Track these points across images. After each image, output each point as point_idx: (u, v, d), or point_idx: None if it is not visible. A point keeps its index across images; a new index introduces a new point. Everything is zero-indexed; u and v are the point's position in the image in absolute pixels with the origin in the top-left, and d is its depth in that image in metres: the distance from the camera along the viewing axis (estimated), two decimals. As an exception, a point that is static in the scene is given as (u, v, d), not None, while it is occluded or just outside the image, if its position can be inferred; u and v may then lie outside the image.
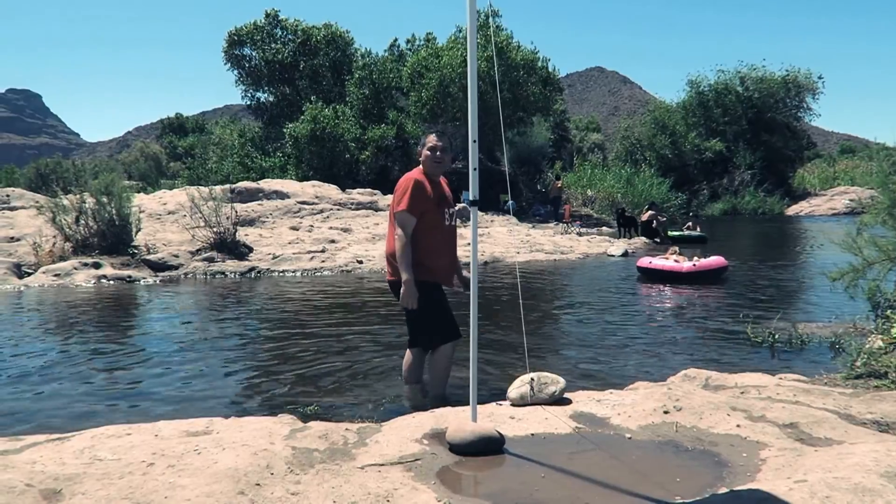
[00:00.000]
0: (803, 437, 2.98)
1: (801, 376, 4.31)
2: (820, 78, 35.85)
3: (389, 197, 18.57)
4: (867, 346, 4.45)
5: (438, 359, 4.09)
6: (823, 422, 3.13)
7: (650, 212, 17.87)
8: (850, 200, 30.31)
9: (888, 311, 4.74)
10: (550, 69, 27.99)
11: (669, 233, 17.35)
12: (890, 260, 5.24)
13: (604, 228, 21.92)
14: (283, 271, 11.02)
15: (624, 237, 18.18)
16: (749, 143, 35.06)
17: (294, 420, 3.38)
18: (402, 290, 3.83)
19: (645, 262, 10.60)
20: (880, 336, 4.43)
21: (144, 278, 10.09)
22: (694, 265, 9.93)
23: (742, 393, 3.73)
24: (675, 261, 10.19)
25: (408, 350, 4.36)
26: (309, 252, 12.05)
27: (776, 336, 5.72)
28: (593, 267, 12.42)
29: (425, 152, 3.99)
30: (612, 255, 13.94)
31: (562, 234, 18.68)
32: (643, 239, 17.37)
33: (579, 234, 18.64)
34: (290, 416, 3.49)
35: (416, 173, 3.98)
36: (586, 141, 50.15)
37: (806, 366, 5.05)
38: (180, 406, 4.19)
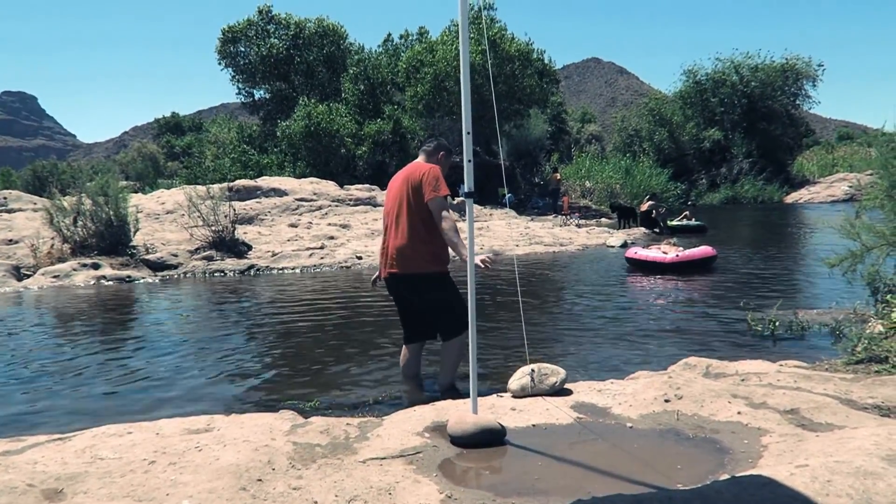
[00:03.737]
0: (804, 422, 2.99)
1: (802, 363, 4.31)
2: (820, 65, 35.75)
3: (387, 192, 18.57)
4: (867, 331, 4.45)
5: (454, 347, 4.12)
6: (824, 407, 3.13)
7: (650, 202, 17.85)
8: (850, 186, 30.28)
9: (888, 296, 4.74)
10: (546, 61, 27.97)
11: (669, 223, 17.34)
12: (889, 244, 5.24)
13: (603, 220, 21.91)
14: (282, 269, 11.01)
15: (623, 228, 18.17)
16: (746, 131, 34.98)
17: (295, 416, 3.38)
18: (482, 261, 3.77)
19: (631, 252, 10.77)
20: (880, 321, 4.43)
21: (144, 278, 10.09)
22: (677, 255, 9.98)
23: (743, 380, 3.73)
24: (663, 252, 10.24)
25: (404, 346, 4.41)
26: (308, 249, 12.03)
27: (776, 323, 5.72)
28: (593, 258, 12.42)
29: (444, 160, 4.23)
30: (612, 246, 13.93)
31: (560, 225, 18.67)
32: (642, 229, 17.37)
33: (578, 226, 18.62)
34: (291, 412, 3.49)
35: (434, 166, 4.08)
36: (584, 132, 50.07)
37: (806, 352, 5.06)
38: (181, 404, 4.20)
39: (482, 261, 3.78)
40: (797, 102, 36.67)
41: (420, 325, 4.27)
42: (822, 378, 3.67)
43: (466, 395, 3.15)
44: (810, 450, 2.53)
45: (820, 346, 5.29)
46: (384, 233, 4.26)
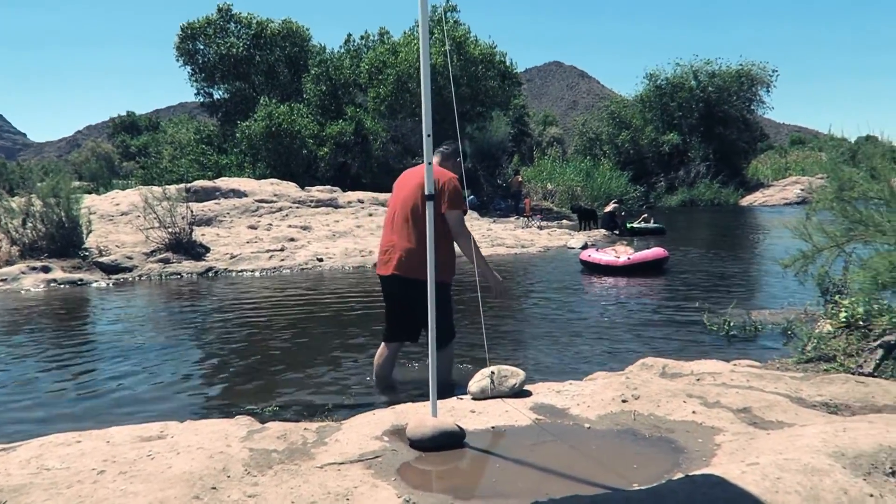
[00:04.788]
0: (756, 420, 3.06)
1: (755, 362, 4.42)
2: (774, 71, 36.78)
3: (350, 194, 18.48)
4: (816, 331, 4.58)
5: (443, 355, 4.16)
6: (775, 405, 3.21)
7: (615, 204, 18.13)
8: (802, 189, 31.20)
9: (836, 297, 4.89)
10: (509, 63, 28.13)
11: (628, 225, 17.61)
12: (837, 246, 5.41)
13: (564, 221, 22.13)
14: (241, 271, 10.86)
15: (584, 230, 18.39)
16: (704, 135, 35.77)
17: (251, 421, 3.33)
18: (490, 283, 4.17)
19: (585, 255, 10.98)
20: (829, 321, 4.57)
21: (97, 281, 9.83)
22: (629, 258, 10.19)
23: (698, 380, 3.80)
24: (616, 255, 10.43)
25: (383, 344, 4.40)
26: (268, 251, 11.90)
27: (731, 324, 5.85)
28: (554, 260, 12.54)
29: (459, 165, 4.30)
30: (573, 248, 14.08)
31: (522, 227, 18.80)
32: (603, 231, 17.60)
33: (540, 228, 18.77)
34: (248, 417, 3.43)
35: (454, 175, 4.15)
36: (546, 135, 50.51)
37: (760, 352, 5.19)
38: (134, 411, 4.10)
39: (496, 286, 4.18)
40: (752, 108, 37.65)
41: (406, 324, 4.27)
42: (773, 377, 3.76)
43: (459, 392, 3.19)
44: (761, 448, 2.59)
45: (772, 345, 5.43)
46: (388, 230, 4.23)
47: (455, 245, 4.21)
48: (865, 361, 3.78)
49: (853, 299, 4.36)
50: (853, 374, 3.73)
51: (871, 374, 3.67)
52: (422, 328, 4.19)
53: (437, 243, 3.98)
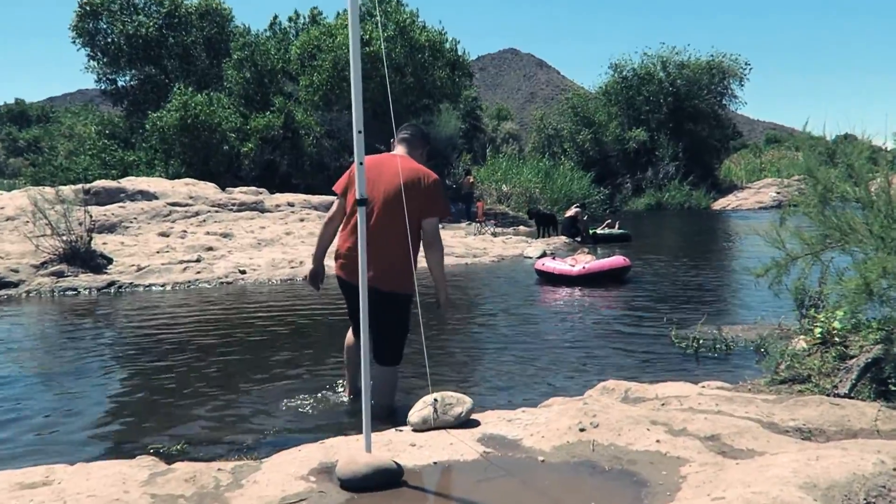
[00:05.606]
0: (725, 449, 3.13)
1: (725, 383, 4.53)
2: (747, 64, 38.09)
3: (278, 196, 18.28)
4: (790, 348, 4.73)
5: (391, 374, 4.32)
6: (746, 432, 3.29)
7: (576, 209, 18.39)
8: (777, 192, 32.35)
9: (811, 310, 5.06)
10: (460, 52, 28.38)
11: (591, 231, 17.91)
12: (813, 254, 5.60)
13: (520, 227, 22.38)
14: (149, 285, 10.61)
15: (543, 237, 18.62)
16: (673, 132, 36.74)
17: (155, 462, 3.23)
18: (440, 297, 4.24)
19: (539, 264, 11.23)
20: (803, 337, 4.72)
21: (-25, 299, 9.44)
22: (584, 267, 10.39)
23: (663, 404, 3.87)
24: (570, 263, 10.63)
25: (350, 331, 4.45)
26: (181, 262, 11.66)
27: (700, 341, 5.99)
28: (509, 271, 12.65)
29: (426, 154, 4.31)
30: (530, 258, 14.22)
31: (474, 234, 18.93)
32: (563, 238, 17.85)
33: (494, 235, 18.94)
34: (151, 457, 3.34)
35: (434, 174, 4.13)
36: (500, 131, 51.07)
37: (730, 371, 5.34)
38: (15, 453, 3.93)
39: (445, 302, 4.26)
40: (724, 102, 38.90)
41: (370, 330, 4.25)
42: (744, 400, 3.86)
43: (403, 422, 3.17)
44: (729, 479, 2.65)
45: (744, 364, 5.59)
46: (350, 230, 4.14)
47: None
48: (841, 382, 3.92)
49: (828, 313, 4.52)
50: (828, 395, 3.86)
51: (846, 396, 3.80)
52: (385, 345, 4.22)
53: (415, 251, 4.00)
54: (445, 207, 4.18)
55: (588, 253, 11.40)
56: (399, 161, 3.98)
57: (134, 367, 5.95)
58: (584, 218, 18.36)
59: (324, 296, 7.79)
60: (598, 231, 17.98)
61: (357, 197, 2.89)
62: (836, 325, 4.35)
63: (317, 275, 4.41)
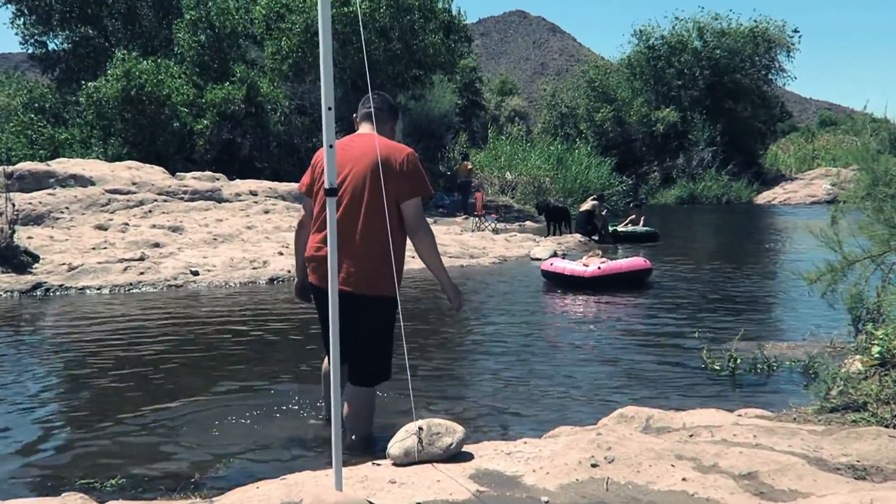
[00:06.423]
0: (763, 489, 3.13)
1: (765, 411, 4.54)
2: (795, 31, 38.15)
3: (238, 183, 18.28)
4: (844, 370, 4.74)
5: (369, 396, 4.30)
6: (788, 469, 3.30)
7: (594, 202, 18.36)
8: (833, 185, 32.42)
9: (868, 325, 5.07)
10: (455, 12, 28.36)
11: (611, 228, 17.94)
12: (871, 258, 5.61)
13: (527, 223, 22.42)
14: (83, 288, 10.61)
15: (553, 234, 18.64)
16: (709, 112, 36.72)
17: (86, 500, 3.23)
18: (448, 293, 4.43)
19: (547, 264, 11.33)
20: (859, 357, 4.73)
21: None
22: (599, 268, 10.38)
23: (691, 436, 3.87)
24: (584, 264, 10.63)
25: (325, 356, 4.39)
26: (122, 261, 11.66)
27: (737, 360, 6.00)
28: (512, 275, 12.65)
29: (396, 128, 4.34)
30: (538, 259, 14.21)
31: (472, 230, 18.95)
32: (577, 236, 17.85)
33: (495, 231, 18.95)
34: (81, 495, 3.32)
35: (410, 149, 4.13)
36: (504, 108, 51.16)
37: (772, 397, 5.34)
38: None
39: (455, 298, 4.44)
40: (770, 77, 38.87)
41: (345, 343, 4.21)
42: (787, 431, 3.86)
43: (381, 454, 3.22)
44: (767, 526, 2.65)
45: (789, 388, 5.60)
46: (318, 226, 4.08)
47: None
48: (903, 410, 3.92)
49: (888, 329, 4.52)
50: (887, 426, 3.87)
51: (909, 427, 3.81)
52: (362, 361, 4.21)
53: (397, 245, 3.99)
54: (425, 185, 4.09)
55: (598, 254, 11.36)
56: (373, 141, 3.91)
57: (60, 386, 5.94)
58: (603, 213, 18.39)
59: (292, 303, 7.79)
60: (620, 229, 18.00)
61: (326, 186, 2.87)
62: (897, 342, 4.36)
63: (304, 288, 4.44)
